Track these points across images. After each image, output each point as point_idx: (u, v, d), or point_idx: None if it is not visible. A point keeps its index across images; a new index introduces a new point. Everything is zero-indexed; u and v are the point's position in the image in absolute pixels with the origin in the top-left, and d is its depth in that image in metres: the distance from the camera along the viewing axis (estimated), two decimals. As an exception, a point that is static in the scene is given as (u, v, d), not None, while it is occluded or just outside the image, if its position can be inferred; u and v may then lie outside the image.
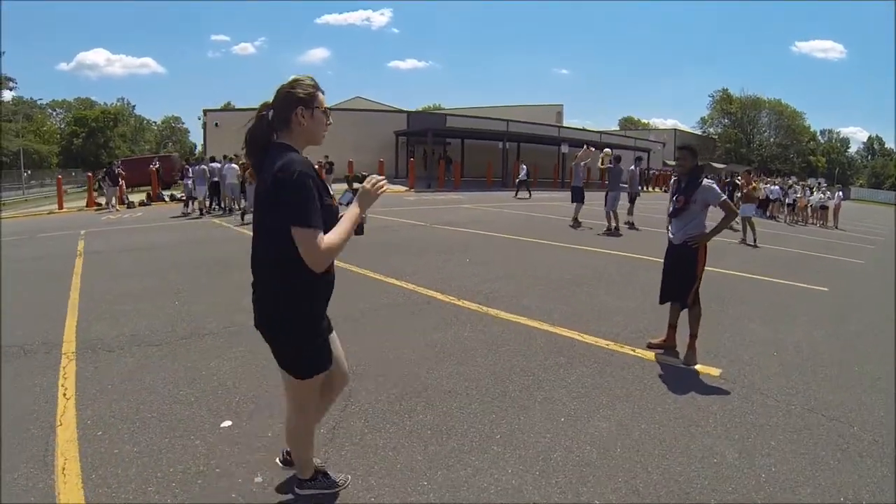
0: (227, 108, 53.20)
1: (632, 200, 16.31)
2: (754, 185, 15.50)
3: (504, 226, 15.27)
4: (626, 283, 8.46)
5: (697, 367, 5.14)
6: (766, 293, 8.37)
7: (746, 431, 4.00)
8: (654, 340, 5.56)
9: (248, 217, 16.63)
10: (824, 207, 23.55)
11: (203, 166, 18.49)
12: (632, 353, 5.46)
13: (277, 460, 3.18)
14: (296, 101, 2.44)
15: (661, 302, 5.51)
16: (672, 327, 5.49)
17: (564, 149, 37.36)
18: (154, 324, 5.93)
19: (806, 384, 4.92)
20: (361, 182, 2.64)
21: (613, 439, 3.81)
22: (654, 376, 4.94)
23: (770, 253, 13.08)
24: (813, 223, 23.32)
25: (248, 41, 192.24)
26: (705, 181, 5.18)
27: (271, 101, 2.50)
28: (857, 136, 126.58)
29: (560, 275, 8.76)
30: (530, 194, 27.04)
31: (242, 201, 18.41)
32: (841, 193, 25.83)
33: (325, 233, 2.34)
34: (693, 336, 5.29)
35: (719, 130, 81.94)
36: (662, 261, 5.57)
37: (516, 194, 26.92)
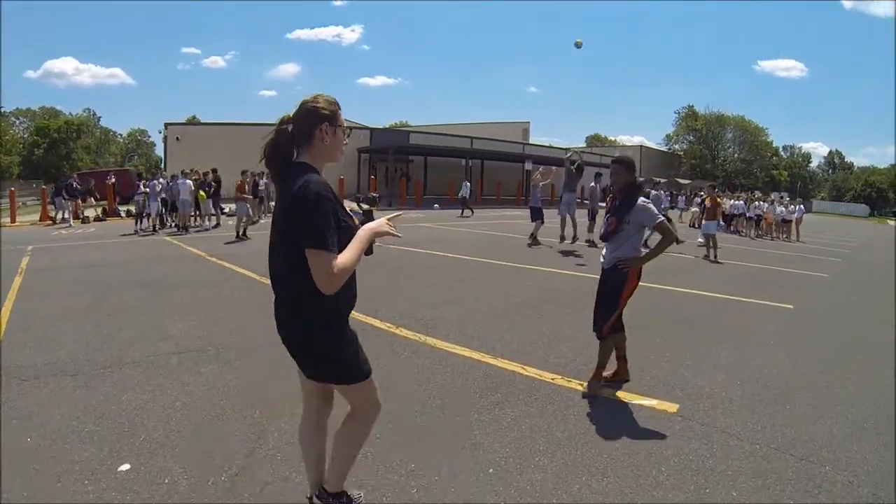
0: (191, 122, 52.08)
1: (592, 217, 15.98)
2: (718, 201, 15.22)
3: (460, 245, 14.76)
4: (580, 306, 7.86)
5: (654, 403, 4.62)
6: (730, 313, 7.96)
7: (704, 480, 3.49)
8: (606, 374, 5.03)
9: (209, 229, 16.62)
10: (787, 221, 23.65)
11: (155, 181, 18.00)
12: (579, 388, 4.92)
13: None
14: (320, 117, 2.43)
15: (595, 329, 4.93)
16: (621, 359, 5.05)
17: (528, 166, 37.34)
18: (77, 351, 5.57)
19: (772, 418, 4.45)
20: (372, 204, 2.58)
21: (548, 495, 3.27)
22: (601, 416, 4.41)
23: (734, 269, 12.81)
24: (777, 237, 23.38)
25: (218, 54, 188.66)
26: (641, 200, 4.65)
27: (291, 115, 2.47)
28: (817, 150, 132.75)
29: (510, 298, 8.24)
30: (472, 212, 26.47)
31: (197, 219, 18.30)
32: (802, 207, 26.00)
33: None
34: (600, 367, 4.91)
35: (684, 146, 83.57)
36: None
37: (461, 213, 26.31)
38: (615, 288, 4.74)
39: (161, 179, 18.42)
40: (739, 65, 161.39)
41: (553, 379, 5.11)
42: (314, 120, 2.42)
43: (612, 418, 4.35)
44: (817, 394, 5.05)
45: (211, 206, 19.09)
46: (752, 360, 5.82)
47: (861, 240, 29.23)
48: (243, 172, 16.24)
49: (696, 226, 23.12)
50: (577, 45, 14.98)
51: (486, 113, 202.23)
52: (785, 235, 23.53)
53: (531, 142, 49.85)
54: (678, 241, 4.88)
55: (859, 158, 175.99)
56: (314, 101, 2.45)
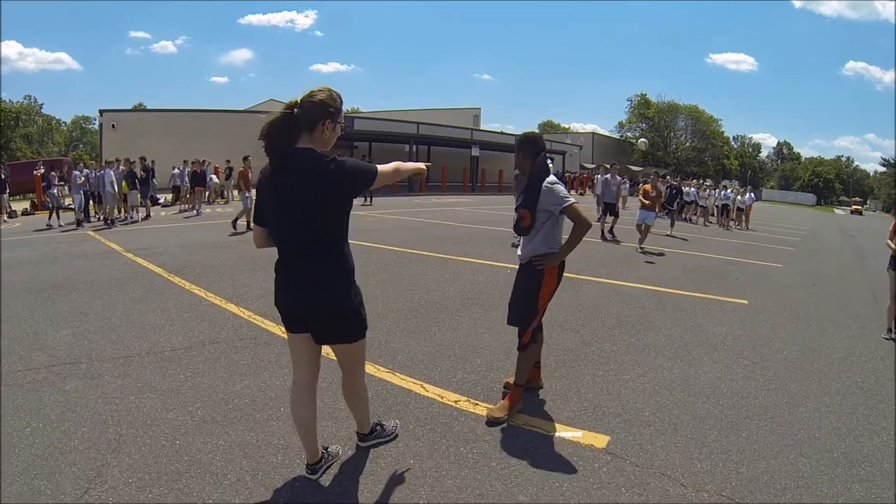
0: (136, 109, 49.07)
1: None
2: (658, 189, 14.42)
3: (391, 235, 13.67)
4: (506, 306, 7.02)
5: (579, 435, 3.73)
6: (678, 313, 7.18)
7: None
8: (511, 379, 4.23)
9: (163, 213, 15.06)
10: (739, 209, 23.49)
11: (77, 173, 16.49)
12: (485, 413, 3.98)
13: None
14: (326, 113, 2.71)
15: (509, 323, 4.14)
16: (535, 364, 4.29)
17: (475, 151, 36.61)
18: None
19: (725, 451, 3.63)
20: None
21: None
22: (508, 451, 3.51)
23: (685, 260, 12.16)
24: (727, 225, 23.18)
25: (169, 39, 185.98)
26: (546, 182, 3.82)
27: (299, 100, 2.72)
28: (766, 141, 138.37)
29: (428, 297, 7.26)
30: (371, 201, 24.92)
31: (122, 212, 17.34)
32: (753, 195, 25.91)
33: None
34: (518, 385, 4.04)
35: (637, 134, 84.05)
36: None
37: (364, 200, 24.72)
38: (530, 290, 3.96)
39: (85, 171, 16.95)
40: (691, 58, 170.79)
41: (456, 402, 4.18)
42: (320, 113, 2.69)
43: (521, 458, 3.43)
44: (777, 415, 4.27)
45: (138, 197, 17.51)
46: (701, 374, 5.02)
47: (810, 228, 29.48)
48: (245, 158, 14.46)
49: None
50: (643, 146, 14.69)
51: (439, 100, 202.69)
52: (735, 223, 23.35)
53: (482, 128, 49.05)
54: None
55: (806, 149, 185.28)
56: (322, 97, 2.71)
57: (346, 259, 2.83)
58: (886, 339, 6.42)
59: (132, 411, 3.84)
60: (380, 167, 2.80)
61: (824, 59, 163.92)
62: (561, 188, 3.83)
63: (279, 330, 5.66)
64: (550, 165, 3.98)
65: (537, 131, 4.26)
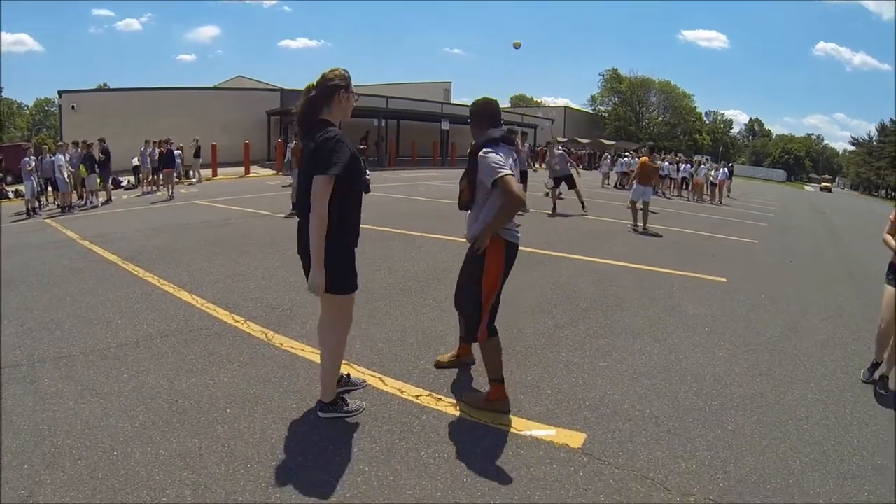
0: (98, 89, 46.79)
1: (523, 181, 14.74)
2: (653, 164, 14.05)
3: (363, 212, 13.13)
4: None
5: (553, 434, 3.43)
6: (656, 292, 6.93)
7: None
8: (443, 357, 4.27)
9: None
10: (712, 184, 23.58)
11: (28, 158, 15.46)
12: (450, 411, 3.70)
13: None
14: (339, 85, 3.25)
15: (455, 306, 4.01)
16: (464, 339, 4.13)
17: (445, 125, 36.10)
18: None
19: (710, 447, 3.39)
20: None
21: None
22: (474, 455, 3.21)
23: (663, 236, 11.92)
24: (702, 199, 23.25)
25: (133, 16, 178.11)
26: (482, 152, 3.49)
27: (315, 83, 3.28)
28: (738, 118, 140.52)
29: (392, 277, 6.90)
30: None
31: (81, 197, 16.43)
32: (726, 170, 25.97)
33: (356, 184, 3.28)
34: (498, 381, 3.68)
35: (609, 108, 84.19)
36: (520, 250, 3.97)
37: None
38: (473, 277, 3.62)
39: (33, 157, 15.89)
40: (664, 34, 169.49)
41: (417, 396, 3.87)
42: (334, 87, 3.24)
43: (488, 463, 3.13)
44: (763, 404, 4.06)
45: (97, 180, 16.62)
46: (682, 359, 4.78)
47: (782, 203, 29.77)
48: (295, 136, 13.72)
49: (624, 187, 22.73)
50: (516, 46, 14.09)
51: (409, 75, 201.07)
52: (709, 197, 23.43)
53: (452, 102, 48.40)
54: (524, 209, 3.59)
55: (777, 127, 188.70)
56: (333, 74, 3.28)
57: (332, 222, 3.13)
58: (863, 380, 4.53)
59: (70, 419, 3.47)
60: (321, 205, 3.08)
61: (795, 39, 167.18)
62: (495, 157, 3.45)
63: (231, 319, 5.35)
64: (505, 135, 3.66)
65: (491, 98, 3.83)
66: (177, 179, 20.21)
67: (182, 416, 3.53)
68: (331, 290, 3.22)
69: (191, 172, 23.88)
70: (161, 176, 18.74)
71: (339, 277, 3.24)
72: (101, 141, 17.77)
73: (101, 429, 3.35)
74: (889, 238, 4.48)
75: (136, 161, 21.20)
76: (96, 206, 15.91)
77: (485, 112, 3.73)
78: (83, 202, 16.45)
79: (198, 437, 3.27)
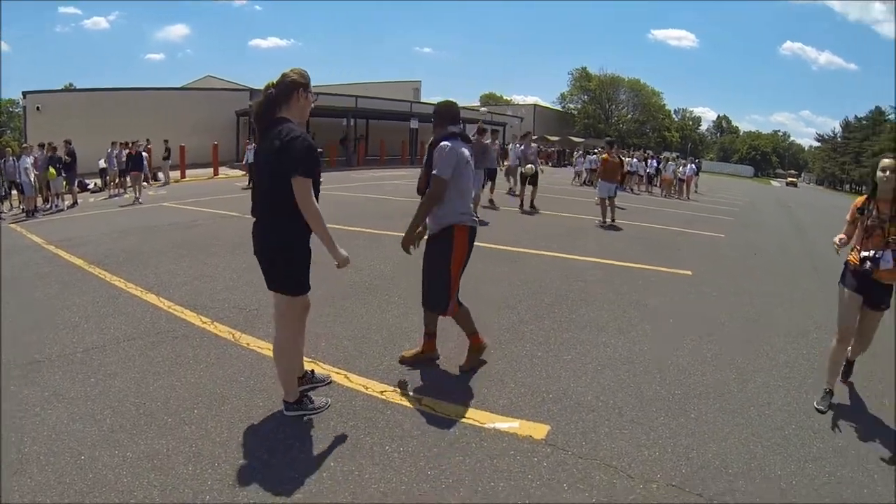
0: (64, 90, 45.44)
1: (491, 177, 14.79)
2: (617, 160, 14.20)
3: (324, 211, 13.05)
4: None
5: (516, 426, 3.46)
6: (622, 286, 7.03)
7: None
8: (408, 353, 4.40)
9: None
10: (681, 180, 23.98)
11: None
12: (412, 406, 3.70)
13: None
14: (297, 84, 3.31)
15: (425, 306, 4.27)
16: (429, 335, 4.37)
17: (414, 124, 36.07)
18: None
19: (674, 435, 3.44)
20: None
21: None
22: (438, 448, 3.23)
23: (630, 231, 12.09)
24: (670, 195, 23.63)
25: (101, 15, 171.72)
26: (439, 146, 3.94)
27: (274, 82, 3.31)
28: (707, 115, 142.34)
29: (358, 276, 6.86)
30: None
31: (42, 202, 15.82)
32: (694, 167, 26.46)
33: (318, 181, 3.31)
34: (471, 334, 4.29)
35: (578, 106, 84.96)
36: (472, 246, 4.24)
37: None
38: (441, 259, 4.05)
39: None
40: (635, 33, 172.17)
41: (382, 392, 3.88)
42: (293, 86, 3.30)
43: (452, 456, 3.15)
44: (726, 392, 4.15)
45: (63, 183, 16.17)
46: (646, 350, 4.85)
47: (749, 198, 30.33)
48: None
49: (593, 184, 22.99)
50: None
51: (380, 74, 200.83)
52: (677, 194, 23.82)
53: (422, 101, 48.41)
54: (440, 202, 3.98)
55: (744, 124, 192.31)
56: (292, 74, 3.32)
57: (287, 221, 3.24)
58: (820, 409, 3.94)
59: (37, 425, 3.41)
60: (311, 203, 3.20)
61: (763, 39, 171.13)
62: (444, 157, 3.88)
63: (199, 320, 5.30)
64: (462, 132, 4.17)
65: (452, 101, 4.25)
66: (144, 182, 19.85)
67: (149, 418, 3.50)
68: (288, 290, 3.35)
69: (159, 175, 23.49)
70: (129, 178, 18.06)
71: (299, 279, 3.36)
72: (67, 143, 17.32)
73: (67, 434, 3.30)
74: (837, 238, 4.04)
75: (102, 163, 20.61)
76: (62, 210, 15.50)
77: (447, 113, 4.13)
78: (48, 206, 15.99)
79: (165, 439, 3.25)
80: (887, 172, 3.74)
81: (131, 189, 17.53)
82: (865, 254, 3.87)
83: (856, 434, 3.64)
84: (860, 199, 4.03)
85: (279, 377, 3.53)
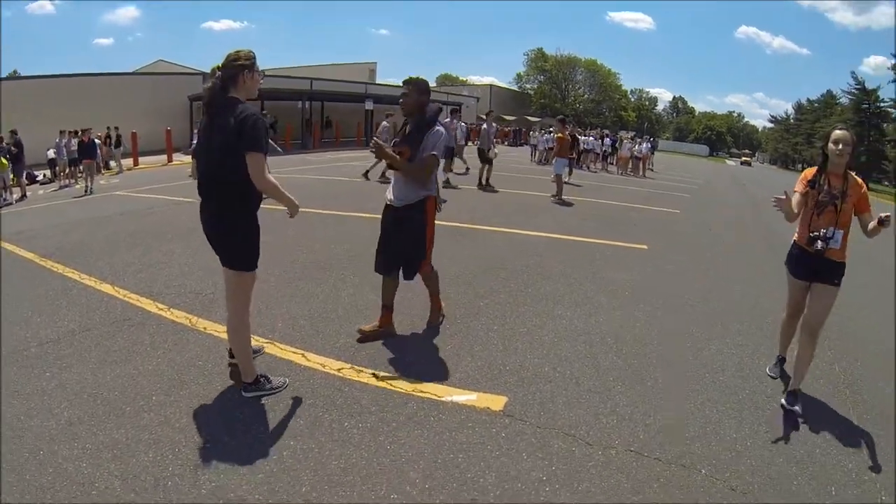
0: (9, 77, 43.01)
1: (450, 156, 14.70)
2: (569, 137, 14.37)
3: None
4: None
5: (474, 398, 3.45)
6: (578, 260, 7.10)
7: None
8: (366, 327, 4.45)
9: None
10: (637, 158, 24.32)
11: None
12: (370, 381, 3.68)
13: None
14: (241, 66, 3.38)
15: (378, 271, 4.46)
16: (387, 307, 4.47)
17: (369, 105, 35.71)
18: None
19: (631, 403, 3.50)
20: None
21: None
22: (396, 423, 3.22)
23: (587, 208, 12.23)
24: (627, 173, 23.95)
25: None
26: (437, 126, 4.24)
27: (220, 65, 3.41)
28: (663, 96, 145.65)
29: (312, 257, 6.76)
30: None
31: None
32: (649, 144, 26.90)
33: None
34: (435, 294, 4.69)
35: (535, 86, 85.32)
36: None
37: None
38: (417, 227, 4.28)
39: None
40: (591, 15, 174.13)
41: (339, 370, 3.84)
42: (238, 68, 3.37)
43: (411, 429, 3.13)
44: (681, 360, 4.24)
45: (10, 176, 15.40)
46: (603, 322, 4.91)
47: (705, 177, 30.96)
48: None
49: (549, 162, 23.23)
50: None
51: (336, 56, 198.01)
52: (633, 171, 24.18)
53: (378, 82, 47.96)
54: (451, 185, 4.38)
55: (700, 104, 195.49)
56: (236, 57, 3.39)
57: (237, 200, 3.34)
58: (772, 376, 4.12)
59: None
60: (267, 176, 3.28)
61: (718, 23, 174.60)
62: (438, 138, 4.19)
63: (154, 307, 5.14)
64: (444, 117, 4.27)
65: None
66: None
67: (108, 407, 3.39)
68: (239, 267, 3.43)
69: (111, 163, 22.68)
70: (81, 167, 16.96)
71: (249, 255, 3.44)
72: (13, 133, 16.58)
73: (25, 430, 3.17)
74: (791, 200, 3.65)
75: (51, 153, 19.72)
76: (10, 204, 14.71)
77: (427, 88, 4.37)
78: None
79: (124, 428, 3.16)
80: (840, 146, 3.55)
81: (82, 179, 16.50)
82: (816, 233, 3.63)
83: (806, 397, 3.74)
84: (810, 171, 3.79)
85: (237, 359, 3.54)
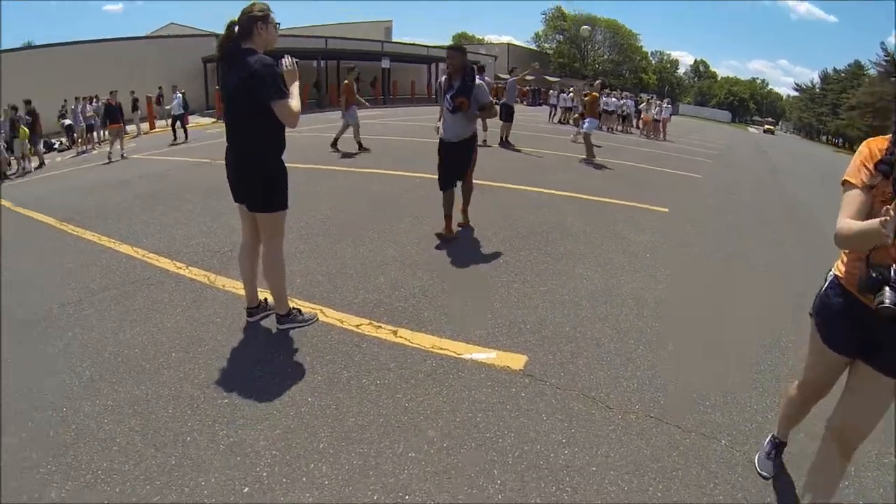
0: (23, 48, 42.49)
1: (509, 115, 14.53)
2: (595, 97, 14.08)
3: (300, 154, 12.67)
4: (415, 214, 6.57)
5: (493, 356, 3.41)
6: (599, 219, 6.99)
7: (556, 484, 2.39)
8: (441, 231, 5.76)
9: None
10: (656, 121, 23.87)
11: None
12: (389, 338, 3.64)
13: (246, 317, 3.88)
14: (255, 18, 3.47)
15: (441, 188, 5.69)
16: (448, 217, 5.75)
17: (385, 64, 35.23)
18: None
19: (651, 367, 3.43)
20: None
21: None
22: (415, 380, 3.18)
23: (606, 169, 11.95)
24: (648, 135, 23.56)
25: None
26: (479, 81, 5.43)
27: (237, 19, 3.50)
28: (684, 59, 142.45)
29: (333, 214, 6.69)
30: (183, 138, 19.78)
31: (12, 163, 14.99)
32: (670, 107, 26.38)
33: None
34: (466, 202, 6.10)
35: (553, 46, 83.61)
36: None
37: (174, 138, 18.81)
38: (467, 156, 5.67)
39: None
40: None
41: (358, 326, 3.82)
42: (252, 20, 3.46)
43: (429, 387, 3.11)
44: (701, 323, 4.17)
45: (27, 145, 15.29)
46: (624, 283, 4.82)
47: (727, 142, 30.37)
48: (351, 70, 12.79)
49: (571, 123, 22.99)
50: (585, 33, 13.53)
51: (350, 15, 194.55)
52: (653, 134, 23.75)
53: (393, 40, 47.18)
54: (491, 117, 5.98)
55: (722, 69, 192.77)
56: (251, 9, 3.48)
57: (262, 141, 3.50)
58: (764, 475, 2.59)
59: (17, 384, 3.29)
60: (295, 113, 3.43)
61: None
62: (487, 89, 5.51)
63: (173, 266, 5.13)
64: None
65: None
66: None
67: (128, 365, 3.41)
68: (272, 208, 3.56)
69: (127, 128, 22.59)
70: (106, 132, 16.21)
71: (282, 195, 3.58)
72: (27, 102, 16.39)
73: (48, 389, 3.18)
74: (848, 228, 1.87)
75: (67, 120, 19.52)
76: (29, 172, 14.68)
77: (465, 52, 5.63)
78: (15, 169, 15.07)
79: (144, 384, 3.17)
80: None
81: (111, 143, 15.37)
82: (883, 270, 1.83)
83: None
84: (875, 143, 1.97)
85: (272, 293, 3.76)
